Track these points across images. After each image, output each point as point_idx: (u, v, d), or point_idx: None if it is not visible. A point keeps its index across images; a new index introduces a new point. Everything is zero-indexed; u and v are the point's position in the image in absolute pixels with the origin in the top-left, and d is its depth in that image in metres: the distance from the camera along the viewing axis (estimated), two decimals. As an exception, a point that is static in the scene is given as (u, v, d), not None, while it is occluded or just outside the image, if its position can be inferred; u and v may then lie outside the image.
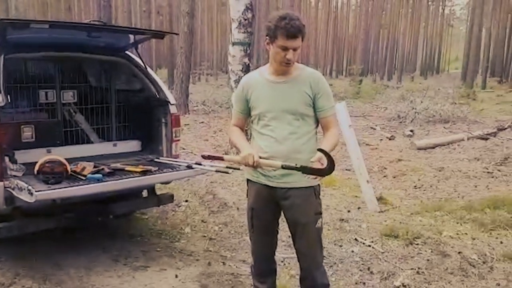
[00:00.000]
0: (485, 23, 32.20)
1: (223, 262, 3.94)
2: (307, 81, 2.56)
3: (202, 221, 4.91)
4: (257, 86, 2.66)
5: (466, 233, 4.53)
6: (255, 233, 2.81)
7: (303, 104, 2.55)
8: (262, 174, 2.64)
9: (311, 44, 44.50)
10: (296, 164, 2.42)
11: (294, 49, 2.47)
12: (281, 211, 2.72)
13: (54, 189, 3.25)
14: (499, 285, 3.53)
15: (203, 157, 3.04)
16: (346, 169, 7.13)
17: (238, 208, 5.23)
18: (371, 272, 3.76)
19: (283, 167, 2.46)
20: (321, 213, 2.67)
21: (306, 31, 2.54)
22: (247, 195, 2.82)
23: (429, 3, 56.66)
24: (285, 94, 2.57)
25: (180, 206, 5.29)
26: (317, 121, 2.64)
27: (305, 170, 2.38)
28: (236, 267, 3.86)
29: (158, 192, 4.42)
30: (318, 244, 2.69)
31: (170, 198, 4.39)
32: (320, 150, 2.36)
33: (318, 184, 2.65)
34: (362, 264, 3.91)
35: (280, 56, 2.49)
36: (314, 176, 2.38)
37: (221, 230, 4.66)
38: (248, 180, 2.78)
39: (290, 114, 2.56)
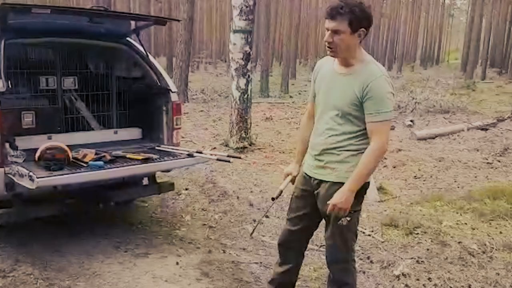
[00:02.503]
0: (486, 14, 32.06)
1: (224, 250, 3.95)
2: (360, 79, 2.41)
3: (202, 209, 4.92)
4: (323, 71, 2.62)
5: (466, 223, 4.55)
6: (288, 217, 2.86)
7: (348, 103, 2.44)
8: (307, 162, 2.69)
9: (311, 33, 44.28)
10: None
11: (334, 32, 2.37)
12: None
13: (56, 175, 3.25)
14: (498, 274, 3.55)
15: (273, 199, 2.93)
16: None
17: (238, 197, 5.23)
18: (371, 261, 3.78)
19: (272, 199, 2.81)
20: (348, 212, 2.51)
21: (358, 19, 2.35)
22: None
23: (430, -8, 56.32)
24: (338, 87, 2.50)
25: (180, 195, 5.28)
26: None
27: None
28: (237, 255, 3.87)
29: (158, 180, 4.42)
30: (338, 240, 2.61)
31: (170, 186, 4.40)
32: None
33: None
34: (362, 253, 3.92)
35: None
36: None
37: (221, 219, 4.67)
38: None
39: (335, 109, 2.49)
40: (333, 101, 2.51)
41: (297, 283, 3.18)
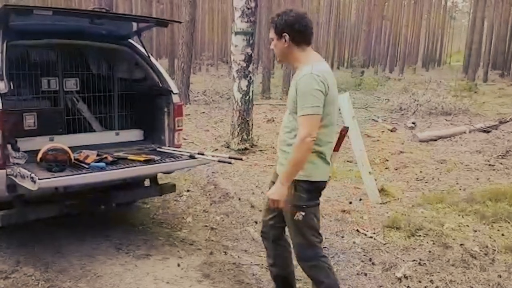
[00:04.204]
0: (488, 16, 32.00)
1: (225, 252, 3.95)
2: (295, 79, 2.64)
3: (204, 211, 4.91)
4: None
5: (467, 225, 4.53)
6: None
7: (291, 101, 2.64)
8: None
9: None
10: None
11: (271, 39, 2.73)
12: None
13: (57, 177, 3.24)
14: (500, 276, 3.54)
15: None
16: (348, 161, 7.12)
17: (239, 199, 5.22)
18: (373, 263, 3.77)
19: None
20: (300, 207, 2.64)
21: (276, 26, 2.65)
22: None
23: (432, -5, 56.24)
24: (290, 88, 2.72)
25: (181, 196, 5.29)
26: None
27: None
28: (238, 256, 3.87)
29: (160, 182, 4.42)
30: (298, 236, 2.74)
31: (172, 187, 4.39)
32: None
33: (305, 180, 2.63)
34: (364, 255, 3.91)
35: None
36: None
37: (223, 220, 4.66)
38: None
39: (288, 108, 2.72)
40: (288, 100, 2.73)
41: (298, 285, 3.17)
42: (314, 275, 2.79)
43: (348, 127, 3.10)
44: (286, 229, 2.95)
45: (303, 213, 2.65)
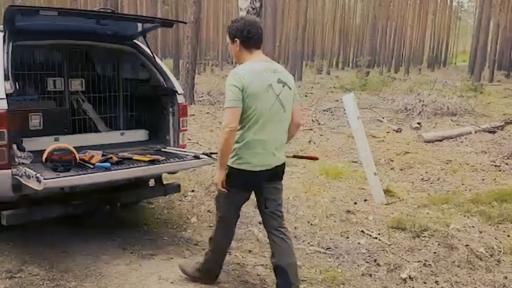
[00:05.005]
0: (493, 16, 31.86)
1: (229, 252, 3.91)
2: None
3: (208, 211, 4.91)
4: None
5: (473, 226, 4.51)
6: None
7: None
8: None
9: (318, 35, 44.26)
10: None
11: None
12: None
13: (62, 177, 3.25)
14: (506, 278, 3.52)
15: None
16: (353, 161, 7.11)
17: (244, 199, 5.21)
18: (378, 264, 3.76)
19: None
20: (222, 186, 2.95)
21: (229, 31, 2.96)
22: None
23: (437, -5, 56.04)
24: None
25: (186, 196, 5.29)
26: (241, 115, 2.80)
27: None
28: (242, 257, 3.86)
29: (164, 182, 4.43)
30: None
31: (176, 188, 4.40)
32: None
33: (229, 166, 2.89)
34: (369, 256, 3.90)
35: None
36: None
37: (227, 220, 4.66)
38: None
39: None
40: None
41: (302, 286, 3.17)
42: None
43: (318, 158, 3.77)
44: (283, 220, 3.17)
45: (221, 192, 2.99)
